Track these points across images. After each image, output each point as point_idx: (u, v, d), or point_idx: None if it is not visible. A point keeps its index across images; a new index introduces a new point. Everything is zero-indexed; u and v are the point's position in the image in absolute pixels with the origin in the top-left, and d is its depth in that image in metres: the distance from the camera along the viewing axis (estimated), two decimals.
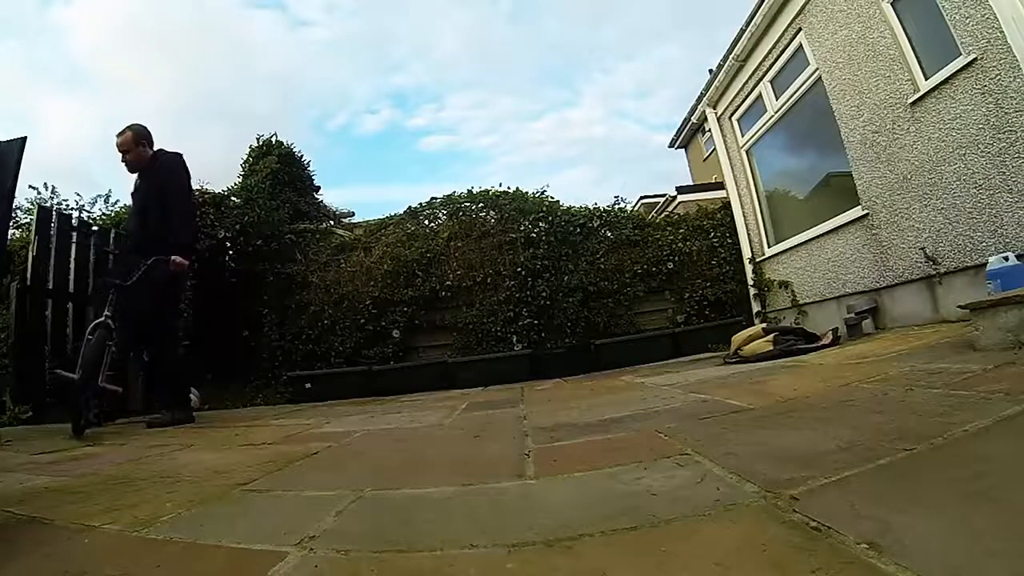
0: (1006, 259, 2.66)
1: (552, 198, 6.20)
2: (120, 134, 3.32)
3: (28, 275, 4.02)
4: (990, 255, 2.83)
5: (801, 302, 5.07)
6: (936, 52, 3.27)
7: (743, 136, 5.87)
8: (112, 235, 4.88)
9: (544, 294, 5.70)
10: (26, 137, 1.94)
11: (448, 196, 6.20)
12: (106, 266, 3.38)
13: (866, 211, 4.05)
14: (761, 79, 5.27)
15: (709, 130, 6.64)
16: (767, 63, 5.11)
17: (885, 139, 3.75)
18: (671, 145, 15.98)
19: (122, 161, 3.33)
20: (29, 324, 3.93)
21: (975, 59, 2.94)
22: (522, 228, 5.90)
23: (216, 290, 5.43)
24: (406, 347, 5.80)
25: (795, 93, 4.83)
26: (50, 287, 4.15)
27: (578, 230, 5.96)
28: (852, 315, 4.03)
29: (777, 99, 5.12)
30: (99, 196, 6.65)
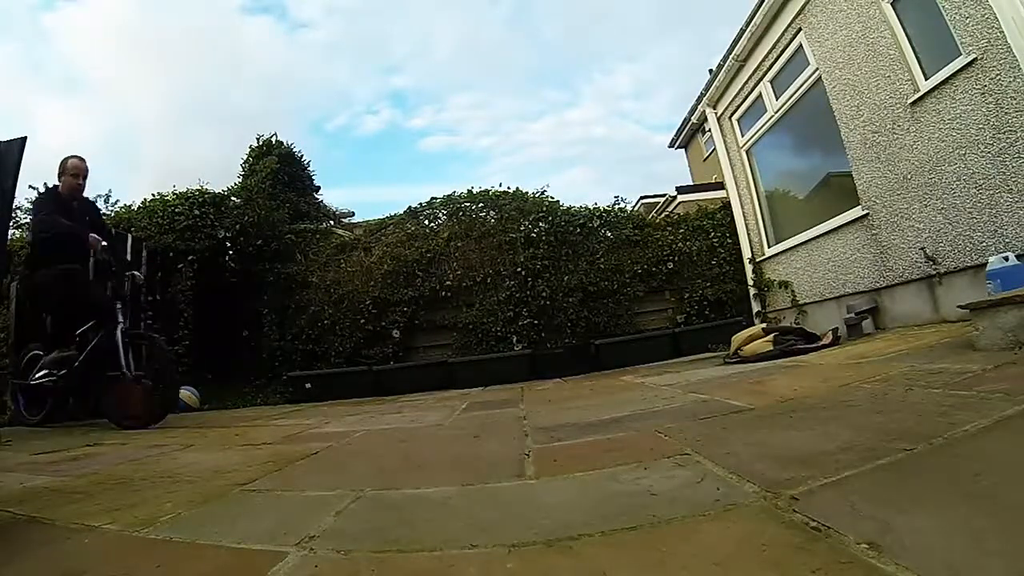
0: (1006, 259, 2.66)
1: (552, 198, 6.21)
2: (83, 160, 3.42)
3: None
4: (990, 255, 2.83)
5: (801, 302, 5.07)
6: (936, 52, 3.27)
7: (743, 136, 5.87)
8: (112, 235, 4.87)
9: (544, 294, 5.70)
10: (26, 137, 1.94)
11: (448, 196, 6.20)
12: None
13: (866, 211, 4.04)
14: (761, 79, 5.27)
15: (709, 130, 6.64)
16: (767, 63, 5.11)
17: (885, 139, 3.75)
18: (671, 145, 15.97)
19: (82, 184, 3.42)
20: (29, 324, 3.93)
21: (975, 59, 2.94)
22: (522, 228, 5.90)
23: (216, 290, 5.43)
24: (406, 347, 5.80)
25: (795, 93, 4.82)
26: None
27: (578, 230, 5.96)
28: (852, 315, 4.03)
29: (777, 99, 5.11)
30: (99, 196, 6.65)
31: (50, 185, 3.44)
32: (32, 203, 3.53)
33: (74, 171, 3.35)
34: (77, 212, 3.36)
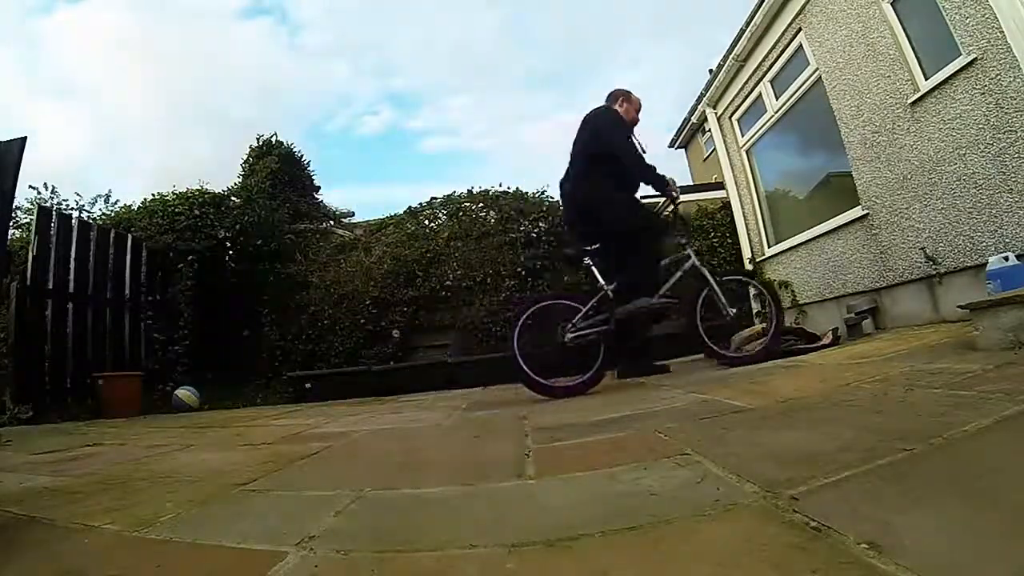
0: (1006, 259, 2.66)
1: (552, 198, 6.20)
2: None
3: (28, 275, 4.03)
4: (990, 255, 2.83)
5: (801, 302, 5.07)
6: (936, 52, 3.27)
7: (743, 136, 5.87)
8: (112, 235, 4.88)
9: None
10: (26, 137, 1.94)
11: (448, 196, 6.21)
12: None
13: (866, 211, 4.04)
14: (761, 79, 5.27)
15: (709, 130, 6.64)
16: (767, 63, 5.11)
17: (885, 139, 3.75)
18: (671, 145, 15.94)
19: (638, 122, 3.17)
20: (29, 324, 3.94)
21: (975, 59, 2.94)
22: (522, 228, 5.91)
23: (216, 290, 5.43)
24: (406, 347, 5.80)
25: (795, 93, 4.82)
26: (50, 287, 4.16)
27: None
28: (852, 315, 4.03)
29: (777, 99, 5.12)
30: (99, 196, 6.64)
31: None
32: (602, 120, 3.02)
33: (639, 107, 3.07)
34: None
